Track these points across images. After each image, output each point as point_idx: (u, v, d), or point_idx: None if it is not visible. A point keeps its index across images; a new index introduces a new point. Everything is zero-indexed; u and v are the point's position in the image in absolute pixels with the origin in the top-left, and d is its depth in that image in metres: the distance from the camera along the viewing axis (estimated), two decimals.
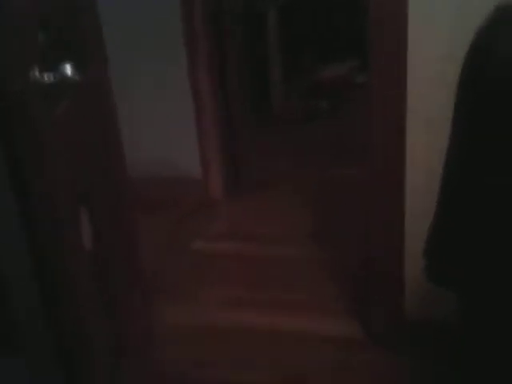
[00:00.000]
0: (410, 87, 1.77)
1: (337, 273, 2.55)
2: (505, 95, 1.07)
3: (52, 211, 1.43)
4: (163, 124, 2.99)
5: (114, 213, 1.96)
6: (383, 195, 1.92)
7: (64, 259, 1.50)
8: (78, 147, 1.64)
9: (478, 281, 1.25)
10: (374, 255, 2.05)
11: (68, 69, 1.37)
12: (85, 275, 1.64)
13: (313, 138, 3.75)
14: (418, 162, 1.83)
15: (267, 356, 2.17)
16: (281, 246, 2.75)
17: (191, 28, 2.87)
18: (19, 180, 1.34)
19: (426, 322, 2.04)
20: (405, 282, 2.01)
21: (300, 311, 2.36)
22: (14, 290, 1.41)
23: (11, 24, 1.28)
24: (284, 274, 2.57)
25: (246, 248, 2.74)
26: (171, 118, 2.98)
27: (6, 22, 1.27)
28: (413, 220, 1.89)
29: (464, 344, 1.43)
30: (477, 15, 1.19)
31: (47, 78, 1.34)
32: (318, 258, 2.64)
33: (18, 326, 1.43)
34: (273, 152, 3.59)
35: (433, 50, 1.71)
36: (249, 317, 2.35)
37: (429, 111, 1.75)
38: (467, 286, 1.28)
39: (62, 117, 1.50)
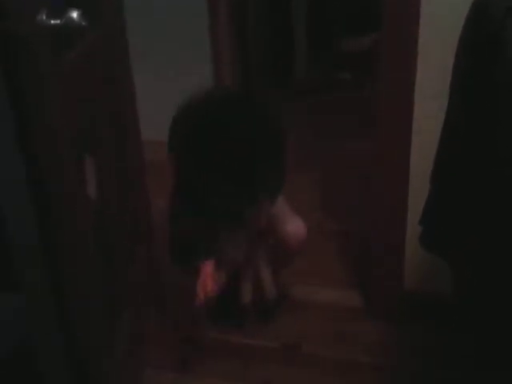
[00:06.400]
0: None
1: (341, 245, 2.56)
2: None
3: (55, 160, 1.44)
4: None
5: (123, 168, 1.97)
6: (388, 168, 1.91)
7: (66, 208, 1.51)
8: (87, 97, 1.65)
9: (468, 250, 1.25)
10: (376, 227, 2.05)
11: (76, 15, 1.37)
12: (87, 225, 1.66)
13: (334, 111, 3.73)
14: (424, 134, 1.80)
15: None
16: None
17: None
18: (22, 126, 1.35)
19: (427, 293, 2.04)
20: (405, 253, 2.01)
21: (301, 279, 2.36)
22: (14, 231, 1.43)
23: None
24: None
25: None
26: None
27: None
28: (416, 193, 1.88)
29: (458, 313, 1.44)
30: None
31: (54, 23, 1.34)
32: (324, 230, 2.65)
33: (18, 265, 1.45)
34: (294, 124, 3.56)
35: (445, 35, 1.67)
36: None
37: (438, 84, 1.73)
38: (458, 254, 1.28)
39: (71, 64, 1.51)
